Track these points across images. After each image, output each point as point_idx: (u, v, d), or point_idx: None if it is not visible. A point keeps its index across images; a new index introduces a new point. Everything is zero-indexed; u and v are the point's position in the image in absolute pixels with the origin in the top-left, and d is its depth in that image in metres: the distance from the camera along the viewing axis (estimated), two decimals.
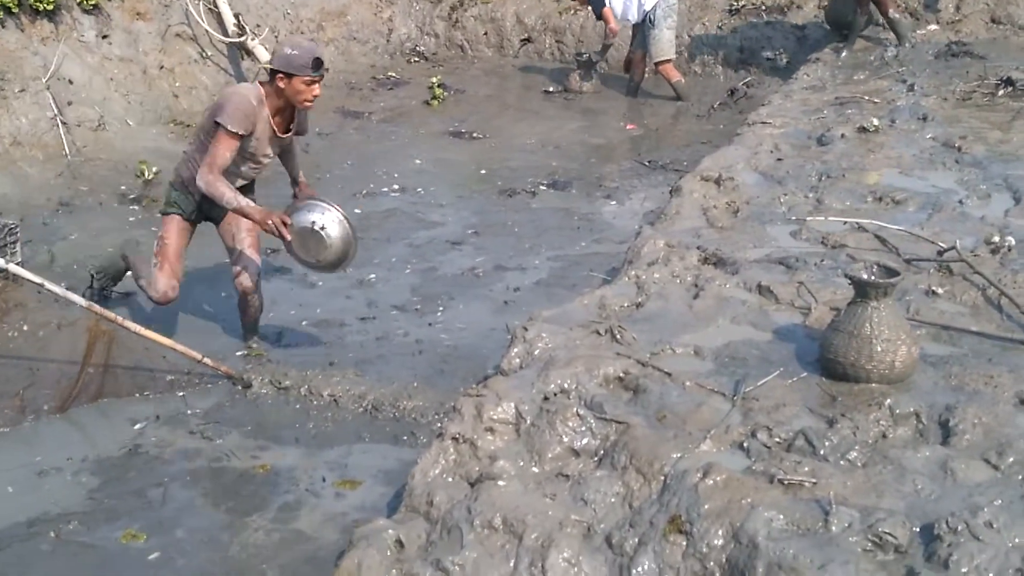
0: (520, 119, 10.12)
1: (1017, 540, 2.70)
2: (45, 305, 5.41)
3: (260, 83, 5.04)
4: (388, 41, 11.64)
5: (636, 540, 2.91)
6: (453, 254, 6.80)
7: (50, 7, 8.33)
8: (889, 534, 2.75)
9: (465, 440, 3.39)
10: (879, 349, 3.52)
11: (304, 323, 5.68)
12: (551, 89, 11.03)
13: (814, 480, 3.02)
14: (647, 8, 10.13)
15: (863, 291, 3.59)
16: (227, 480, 4.22)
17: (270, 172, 5.71)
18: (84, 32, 8.73)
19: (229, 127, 4.80)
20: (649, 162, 8.79)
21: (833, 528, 2.79)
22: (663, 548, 2.86)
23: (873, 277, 3.64)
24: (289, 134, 5.17)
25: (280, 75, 4.83)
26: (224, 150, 4.84)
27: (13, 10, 8.10)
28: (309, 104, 4.97)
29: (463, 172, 8.56)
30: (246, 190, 5.21)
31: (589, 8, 10.62)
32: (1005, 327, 4.07)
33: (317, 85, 4.89)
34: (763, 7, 11.34)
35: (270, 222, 4.82)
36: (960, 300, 4.29)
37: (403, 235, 7.07)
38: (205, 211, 5.25)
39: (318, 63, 4.83)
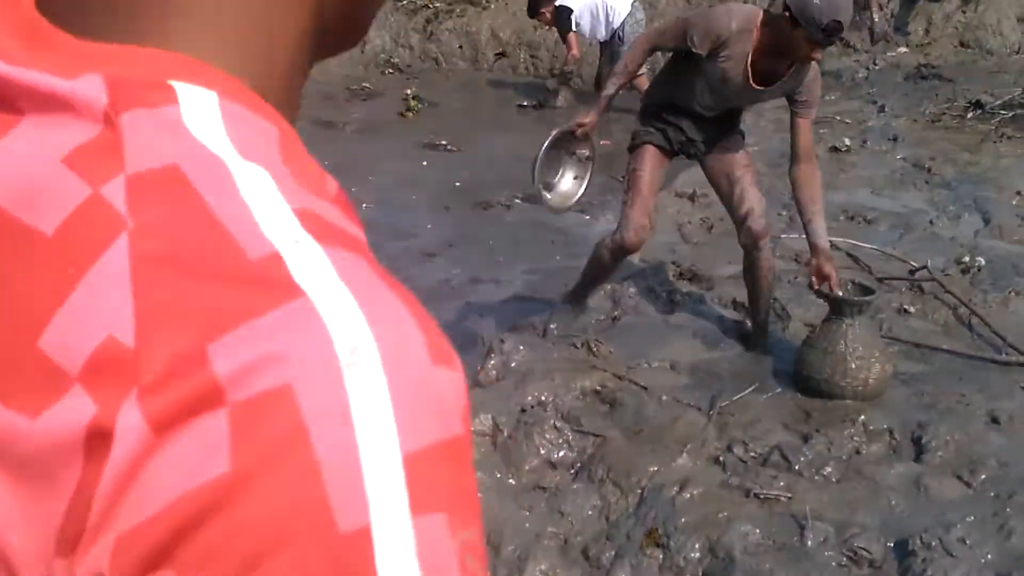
0: (494, 132, 10.15)
1: (990, 556, 2.74)
2: None
3: (764, 11, 4.00)
4: (362, 52, 11.63)
5: (613, 553, 2.92)
6: (428, 266, 6.79)
7: None
8: (864, 549, 2.78)
9: None
10: (853, 366, 3.56)
11: None
12: (525, 103, 11.07)
13: (790, 495, 3.04)
14: (615, 26, 10.19)
15: (838, 308, 3.63)
16: None
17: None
18: None
19: (686, 26, 3.99)
20: (623, 177, 8.84)
21: (809, 543, 2.82)
22: (640, 561, 2.88)
23: (848, 295, 3.68)
24: (768, 90, 3.99)
25: (789, 14, 3.72)
26: (665, 35, 4.16)
27: None
28: (807, 59, 3.86)
29: (437, 184, 8.56)
30: (709, 129, 4.24)
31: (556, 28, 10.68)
32: (976, 346, 4.13)
33: (820, 50, 3.83)
34: None
35: (581, 122, 4.17)
36: (932, 319, 4.35)
37: (377, 246, 6.95)
38: (678, 142, 4.29)
39: (833, 29, 3.69)
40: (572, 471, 3.30)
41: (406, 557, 0.40)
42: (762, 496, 3.05)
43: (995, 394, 3.69)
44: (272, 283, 0.42)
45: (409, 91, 10.39)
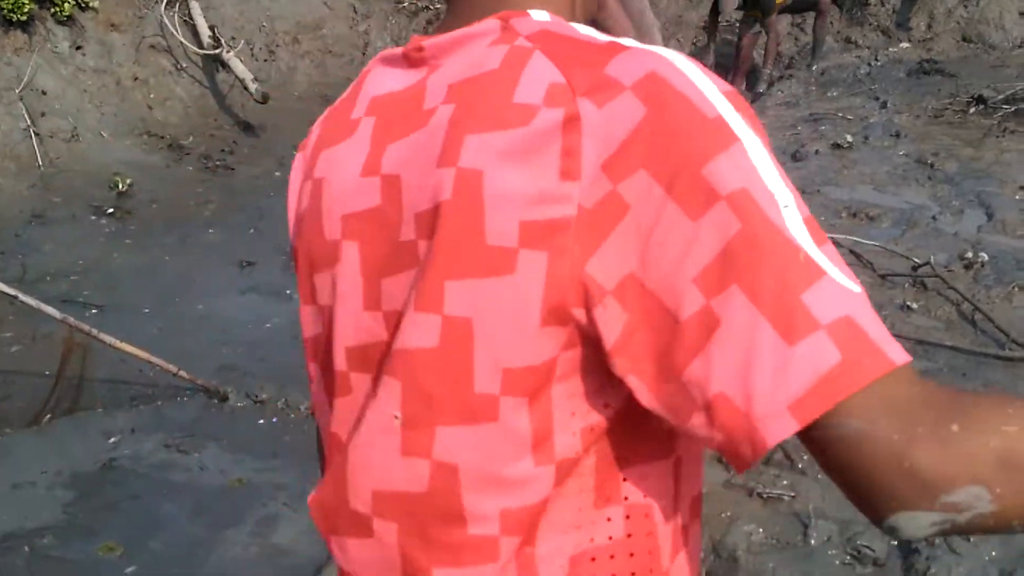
0: None
1: (994, 553, 2.73)
2: (19, 318, 5.36)
3: None
4: (364, 55, 11.64)
5: None
6: None
7: (23, 18, 8.28)
8: (867, 547, 2.77)
9: None
10: None
11: (281, 336, 5.66)
12: None
13: (793, 494, 3.04)
14: None
15: None
16: (204, 494, 4.19)
17: None
18: (58, 43, 8.68)
19: None
20: None
21: (812, 541, 2.81)
22: None
23: None
24: None
25: None
26: None
27: None
28: None
29: None
30: None
31: None
32: (979, 342, 4.11)
33: None
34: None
35: None
36: (935, 315, 4.34)
37: None
38: None
39: None
40: None
41: (742, 121, 0.81)
42: (765, 495, 3.04)
43: (999, 390, 3.68)
44: (617, 47, 0.85)
45: None
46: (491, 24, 0.93)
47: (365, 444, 0.96)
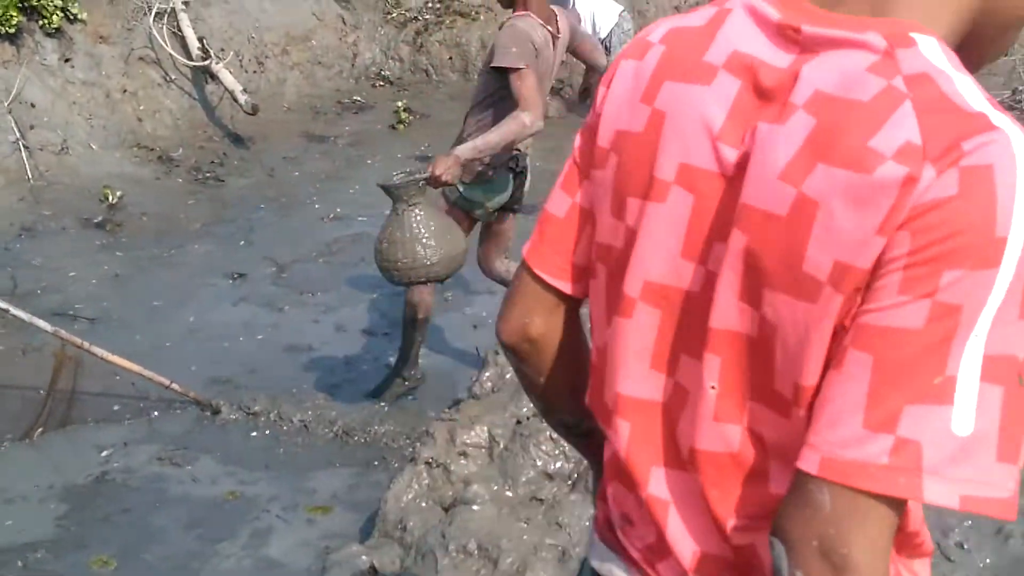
0: None
1: (988, 560, 2.74)
2: (10, 331, 5.35)
3: None
4: (353, 66, 11.65)
5: None
6: None
7: (11, 30, 8.27)
8: None
9: (438, 465, 3.39)
10: (416, 248, 4.22)
11: (273, 348, 5.66)
12: None
13: None
14: (602, 36, 10.18)
15: (391, 197, 4.27)
16: (197, 506, 4.18)
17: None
18: (46, 55, 8.67)
19: None
20: None
21: None
22: None
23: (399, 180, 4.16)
24: None
25: None
26: None
27: None
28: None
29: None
30: None
31: None
32: None
33: None
34: None
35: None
36: None
37: (371, 259, 7.05)
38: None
39: None
40: (569, 482, 3.29)
41: (1015, 257, 0.88)
42: None
43: None
44: (985, 123, 0.91)
45: (400, 103, 10.39)
46: (875, 41, 0.97)
47: (683, 411, 1.12)
